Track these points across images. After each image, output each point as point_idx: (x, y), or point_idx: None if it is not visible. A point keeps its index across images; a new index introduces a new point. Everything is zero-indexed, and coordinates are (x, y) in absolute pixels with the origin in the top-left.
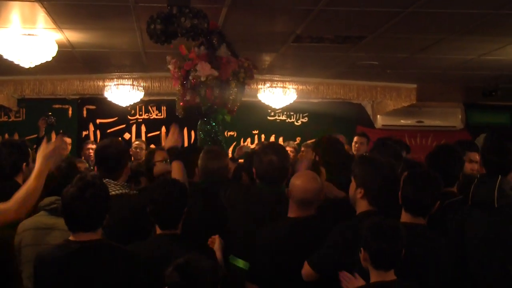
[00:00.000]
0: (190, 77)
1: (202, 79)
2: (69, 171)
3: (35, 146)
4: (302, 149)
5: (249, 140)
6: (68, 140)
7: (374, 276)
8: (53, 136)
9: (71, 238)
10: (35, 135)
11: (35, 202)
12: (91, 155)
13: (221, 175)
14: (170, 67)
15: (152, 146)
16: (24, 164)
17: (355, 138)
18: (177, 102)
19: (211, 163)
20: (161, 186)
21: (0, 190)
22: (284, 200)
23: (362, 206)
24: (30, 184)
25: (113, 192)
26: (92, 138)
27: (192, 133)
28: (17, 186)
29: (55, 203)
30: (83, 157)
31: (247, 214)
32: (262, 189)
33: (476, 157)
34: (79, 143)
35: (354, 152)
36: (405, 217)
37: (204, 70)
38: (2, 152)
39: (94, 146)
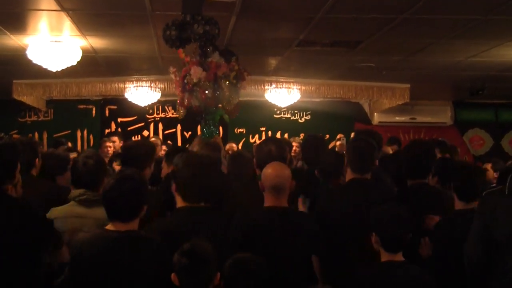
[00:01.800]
0: (185, 81)
1: (195, 81)
2: (97, 167)
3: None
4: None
5: (257, 136)
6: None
7: (385, 257)
8: (78, 133)
9: (108, 227)
10: (62, 133)
11: None
12: (109, 152)
13: None
14: (172, 76)
15: (169, 142)
16: (37, 159)
17: (352, 135)
18: (177, 105)
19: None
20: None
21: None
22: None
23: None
24: None
25: None
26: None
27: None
28: (33, 179)
29: (84, 194)
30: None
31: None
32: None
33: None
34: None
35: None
36: (459, 204)
37: (195, 73)
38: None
39: (111, 144)
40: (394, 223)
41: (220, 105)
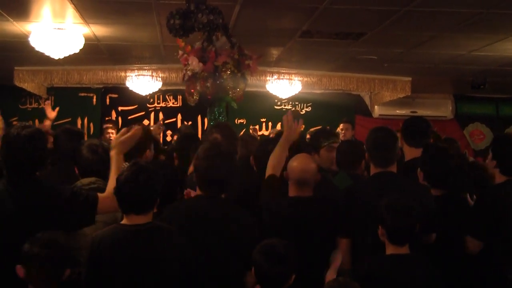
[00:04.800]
0: (186, 70)
1: (189, 73)
2: (106, 155)
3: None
4: (308, 136)
5: (257, 127)
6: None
7: (390, 249)
8: (79, 121)
9: (124, 221)
10: (63, 120)
11: None
12: (111, 137)
13: None
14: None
15: (169, 131)
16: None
17: (341, 125)
18: (185, 92)
19: None
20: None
21: (64, 171)
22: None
23: None
24: (112, 180)
25: None
26: None
27: (206, 120)
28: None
29: (95, 183)
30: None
31: None
32: None
33: None
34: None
35: (342, 138)
36: None
37: (193, 64)
38: (61, 138)
39: (113, 131)
40: (401, 215)
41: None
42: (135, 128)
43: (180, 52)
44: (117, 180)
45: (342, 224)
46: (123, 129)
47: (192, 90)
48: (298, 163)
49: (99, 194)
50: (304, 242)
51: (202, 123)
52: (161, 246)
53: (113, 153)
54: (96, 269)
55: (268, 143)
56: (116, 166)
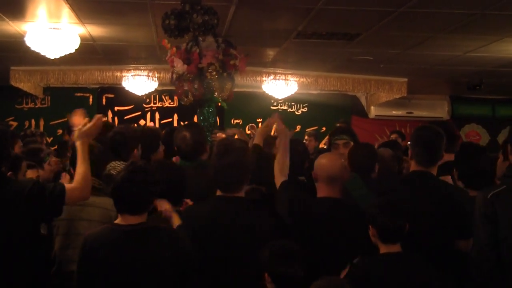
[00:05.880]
0: (172, 72)
1: (175, 75)
2: (102, 155)
3: (60, 131)
4: (306, 137)
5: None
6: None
7: (383, 249)
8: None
9: (118, 221)
10: (59, 120)
11: (90, 180)
12: None
13: None
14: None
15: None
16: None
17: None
18: (176, 94)
19: None
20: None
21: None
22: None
23: None
24: (80, 169)
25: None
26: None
27: None
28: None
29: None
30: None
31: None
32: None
33: None
34: None
35: None
36: None
37: (177, 66)
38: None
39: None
40: (388, 213)
41: (216, 94)
42: (97, 117)
43: (168, 54)
44: (114, 180)
45: None
46: (85, 120)
47: (180, 91)
48: (326, 160)
49: (67, 185)
50: (331, 243)
51: None
52: (155, 247)
53: (78, 143)
54: (88, 269)
55: (298, 144)
56: (82, 155)
